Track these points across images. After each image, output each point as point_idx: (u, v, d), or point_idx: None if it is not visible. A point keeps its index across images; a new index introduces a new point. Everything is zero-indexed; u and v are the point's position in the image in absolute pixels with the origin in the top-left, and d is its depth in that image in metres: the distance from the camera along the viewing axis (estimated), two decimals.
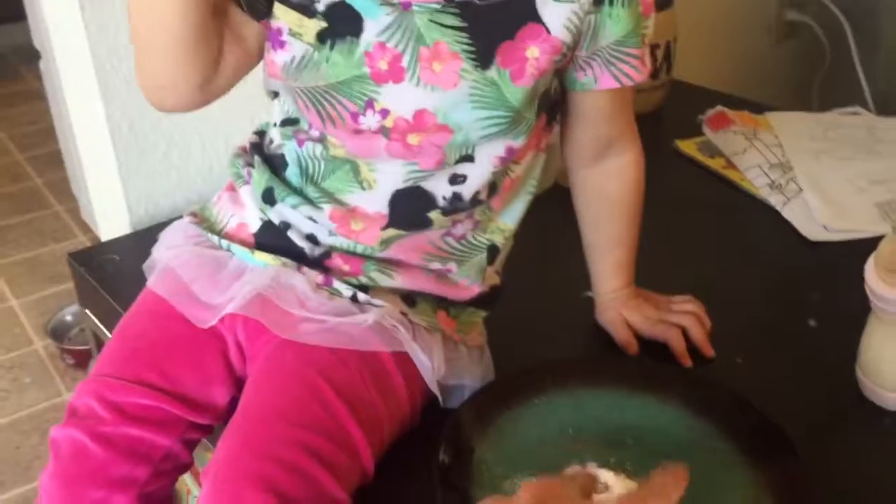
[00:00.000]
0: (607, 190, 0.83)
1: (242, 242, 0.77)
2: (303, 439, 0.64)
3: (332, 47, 0.68)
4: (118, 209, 1.18)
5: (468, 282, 0.77)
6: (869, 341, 0.77)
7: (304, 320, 0.70)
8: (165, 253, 0.79)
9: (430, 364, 0.71)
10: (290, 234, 0.75)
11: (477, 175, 0.73)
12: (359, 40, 0.67)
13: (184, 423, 0.74)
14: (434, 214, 0.74)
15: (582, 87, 0.75)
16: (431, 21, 0.66)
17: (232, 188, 0.81)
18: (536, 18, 0.67)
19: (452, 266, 0.77)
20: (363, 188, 0.73)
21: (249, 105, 1.18)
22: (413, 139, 0.70)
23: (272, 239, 0.76)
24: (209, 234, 0.78)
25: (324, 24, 0.67)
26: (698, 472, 0.67)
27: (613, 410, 0.73)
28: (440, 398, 0.73)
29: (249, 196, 0.78)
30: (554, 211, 0.89)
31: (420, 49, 0.67)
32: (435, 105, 0.68)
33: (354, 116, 0.69)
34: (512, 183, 0.76)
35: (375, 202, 0.73)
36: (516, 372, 0.77)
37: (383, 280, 0.74)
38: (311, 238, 0.75)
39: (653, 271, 0.88)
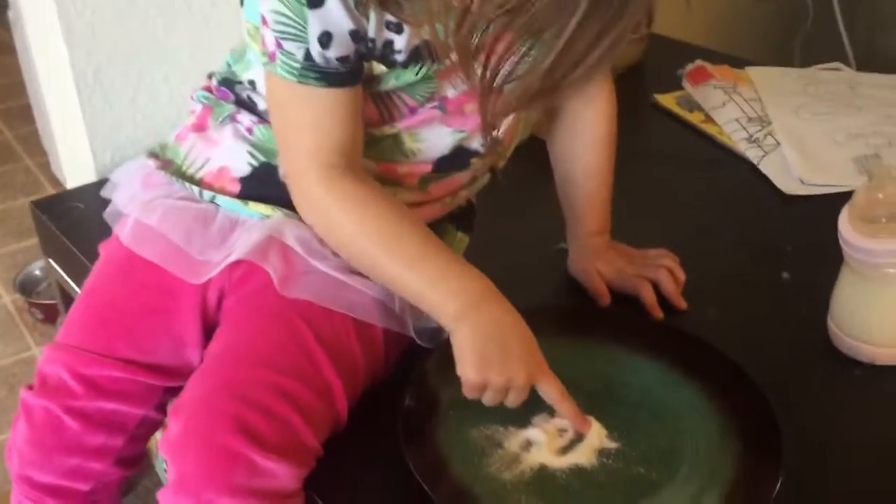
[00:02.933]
0: (581, 117, 0.82)
1: (226, 192, 0.73)
2: (280, 383, 0.63)
3: (405, 67, 0.67)
4: (83, 157, 1.15)
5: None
6: (840, 292, 0.77)
7: (307, 272, 0.69)
8: (131, 204, 0.75)
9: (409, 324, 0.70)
10: None
11: (506, 119, 0.72)
12: (433, 63, 0.67)
13: (158, 391, 0.73)
14: (473, 160, 0.75)
15: None
16: None
17: (200, 127, 0.78)
18: None
19: (464, 191, 0.78)
20: (407, 157, 0.72)
21: (219, 47, 1.16)
22: (469, 107, 0.70)
23: (263, 183, 0.72)
24: (186, 184, 0.74)
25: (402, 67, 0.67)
26: (667, 417, 0.68)
27: (583, 359, 0.72)
28: (417, 339, 0.71)
29: (232, 135, 0.74)
30: (530, 165, 0.88)
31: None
32: None
33: (413, 109, 0.70)
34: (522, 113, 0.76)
35: (421, 163, 0.73)
36: None
37: None
38: None
39: (628, 225, 0.87)
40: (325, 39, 0.62)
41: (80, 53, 1.07)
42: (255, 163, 0.73)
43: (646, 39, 1.36)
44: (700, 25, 1.60)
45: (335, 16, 0.62)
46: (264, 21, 0.63)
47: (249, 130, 0.74)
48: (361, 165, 0.68)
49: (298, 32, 0.62)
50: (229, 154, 0.74)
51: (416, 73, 0.67)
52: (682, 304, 0.82)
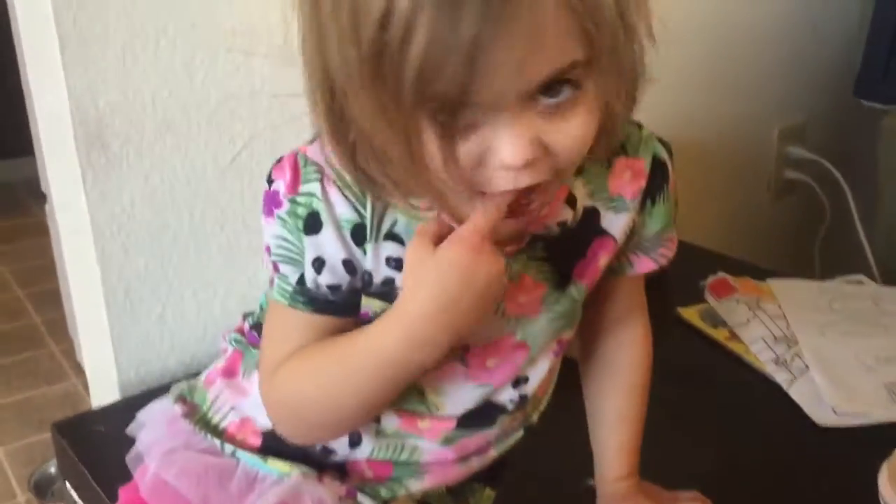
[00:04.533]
0: (616, 361, 0.82)
1: (247, 445, 0.73)
2: None
3: None
4: (108, 372, 1.16)
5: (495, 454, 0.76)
6: None
7: None
8: (154, 448, 0.75)
9: None
10: None
11: (537, 373, 0.72)
12: None
13: None
14: (501, 417, 0.73)
15: (616, 273, 0.75)
16: (518, 261, 0.66)
17: (230, 372, 0.78)
18: (603, 232, 0.69)
19: (492, 450, 0.75)
20: (430, 411, 0.70)
21: (248, 265, 1.19)
22: (491, 362, 0.69)
23: (283, 440, 0.70)
24: (209, 437, 0.74)
25: None
26: None
27: None
28: None
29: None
30: (561, 384, 0.87)
31: (508, 287, 0.65)
32: (515, 328, 0.68)
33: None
34: (557, 366, 0.76)
35: (443, 418, 0.71)
36: None
37: (412, 483, 0.72)
38: (354, 440, 0.70)
39: (653, 451, 0.85)
40: (318, 265, 0.63)
41: (111, 274, 1.10)
42: None
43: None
44: (718, 227, 1.63)
45: (329, 243, 0.62)
46: (267, 249, 0.65)
47: None
48: None
49: (295, 257, 0.63)
50: (254, 405, 0.73)
51: None
52: None
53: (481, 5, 0.46)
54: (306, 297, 0.63)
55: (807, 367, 1.07)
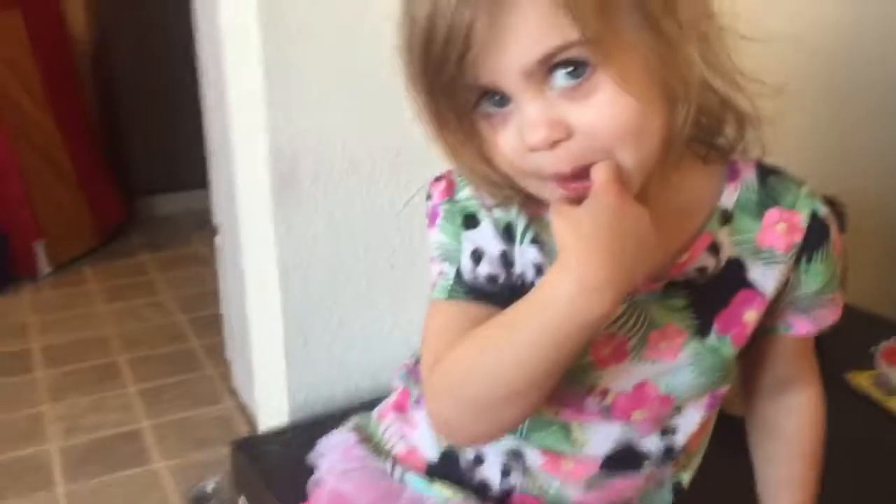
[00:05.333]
0: (783, 427, 0.80)
1: (414, 468, 0.76)
2: None
3: None
4: (279, 396, 1.22)
5: None
6: None
7: None
8: (332, 476, 0.79)
9: None
10: (482, 468, 0.73)
11: (686, 425, 0.72)
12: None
13: None
14: (646, 463, 0.73)
15: (774, 333, 0.74)
16: (663, 307, 0.67)
17: (400, 406, 0.82)
18: (749, 285, 0.68)
19: (636, 501, 0.75)
20: (573, 447, 0.72)
21: (414, 303, 1.23)
22: (638, 415, 0.70)
23: (448, 469, 0.75)
24: (380, 460, 0.78)
25: None
26: None
27: None
28: None
29: (426, 421, 0.77)
30: (718, 440, 0.85)
31: (651, 333, 0.67)
32: (656, 375, 0.69)
33: (576, 399, 0.69)
34: (710, 422, 0.75)
35: (587, 458, 0.72)
36: None
37: None
38: (505, 471, 0.73)
39: None
40: (476, 257, 0.65)
41: (290, 303, 1.17)
42: (443, 447, 0.75)
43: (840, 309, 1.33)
44: (892, 294, 1.57)
45: (487, 236, 0.65)
46: (432, 259, 0.67)
47: None
48: None
49: (454, 254, 0.66)
50: (422, 437, 0.77)
51: None
52: None
53: (470, 8, 0.53)
54: (465, 287, 0.65)
55: None
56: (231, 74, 1.17)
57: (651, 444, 0.72)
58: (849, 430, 1.11)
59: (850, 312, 1.37)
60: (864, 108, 1.58)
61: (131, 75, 2.90)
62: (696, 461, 0.78)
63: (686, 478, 0.78)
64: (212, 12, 1.27)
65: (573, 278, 0.54)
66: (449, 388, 0.62)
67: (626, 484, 0.73)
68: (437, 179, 0.69)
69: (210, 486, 1.67)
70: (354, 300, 1.20)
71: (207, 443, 1.87)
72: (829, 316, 0.74)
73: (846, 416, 1.15)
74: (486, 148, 0.60)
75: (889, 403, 1.14)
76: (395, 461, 0.78)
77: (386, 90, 1.12)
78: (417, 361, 0.81)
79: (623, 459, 0.72)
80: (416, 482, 0.75)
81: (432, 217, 0.68)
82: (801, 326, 0.73)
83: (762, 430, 0.82)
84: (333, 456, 0.82)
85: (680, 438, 0.72)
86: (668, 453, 0.73)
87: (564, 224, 0.57)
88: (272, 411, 1.23)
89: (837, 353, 1.31)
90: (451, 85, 0.56)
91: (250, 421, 1.77)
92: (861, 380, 1.19)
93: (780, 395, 0.79)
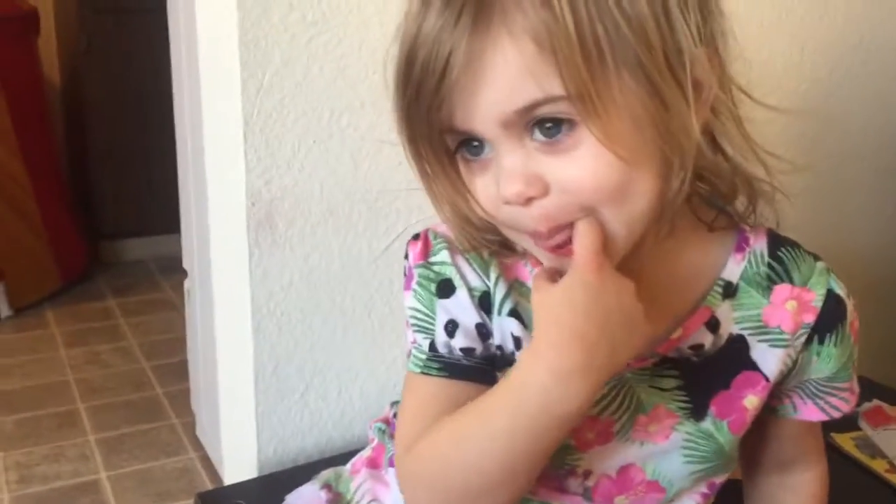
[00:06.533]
0: (783, 503, 0.76)
1: None
2: None
3: None
4: (248, 447, 1.17)
5: None
6: None
7: None
8: None
9: None
10: None
11: None
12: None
13: None
14: None
15: (777, 414, 0.70)
16: (651, 386, 0.63)
17: (374, 463, 0.78)
18: (752, 366, 0.64)
19: None
20: None
21: (389, 350, 1.20)
22: (621, 501, 0.65)
23: None
24: None
25: None
26: None
27: None
28: None
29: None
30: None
31: (638, 417, 0.63)
32: (643, 458, 0.65)
33: (555, 479, 0.66)
34: None
35: None
36: None
37: None
38: None
39: None
40: (451, 328, 0.62)
41: (263, 350, 1.13)
42: None
43: None
44: (871, 354, 1.56)
45: (462, 306, 0.62)
46: (407, 324, 0.64)
47: None
48: None
49: (428, 325, 0.63)
50: (396, 499, 0.74)
51: None
52: None
53: (451, 37, 0.50)
54: (439, 362, 0.62)
55: None
56: (207, 117, 1.15)
57: None
58: (835, 491, 1.09)
59: None
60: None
61: (102, 118, 2.87)
62: None
63: None
64: (189, 54, 1.25)
65: (545, 367, 0.52)
66: (423, 477, 0.60)
67: None
68: (415, 238, 0.65)
69: None
70: (329, 347, 1.17)
71: (169, 496, 1.81)
72: (841, 406, 0.69)
73: (831, 478, 1.13)
74: (467, 193, 0.57)
75: (873, 465, 1.12)
76: None
77: (365, 134, 1.11)
78: (395, 414, 0.78)
79: None
80: None
81: (407, 279, 0.65)
82: (808, 412, 0.69)
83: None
84: None
85: None
86: None
87: (540, 304, 0.54)
88: (239, 463, 1.18)
89: None
90: (429, 119, 0.52)
91: (215, 473, 1.71)
92: (844, 441, 1.17)
93: (783, 474, 0.75)
